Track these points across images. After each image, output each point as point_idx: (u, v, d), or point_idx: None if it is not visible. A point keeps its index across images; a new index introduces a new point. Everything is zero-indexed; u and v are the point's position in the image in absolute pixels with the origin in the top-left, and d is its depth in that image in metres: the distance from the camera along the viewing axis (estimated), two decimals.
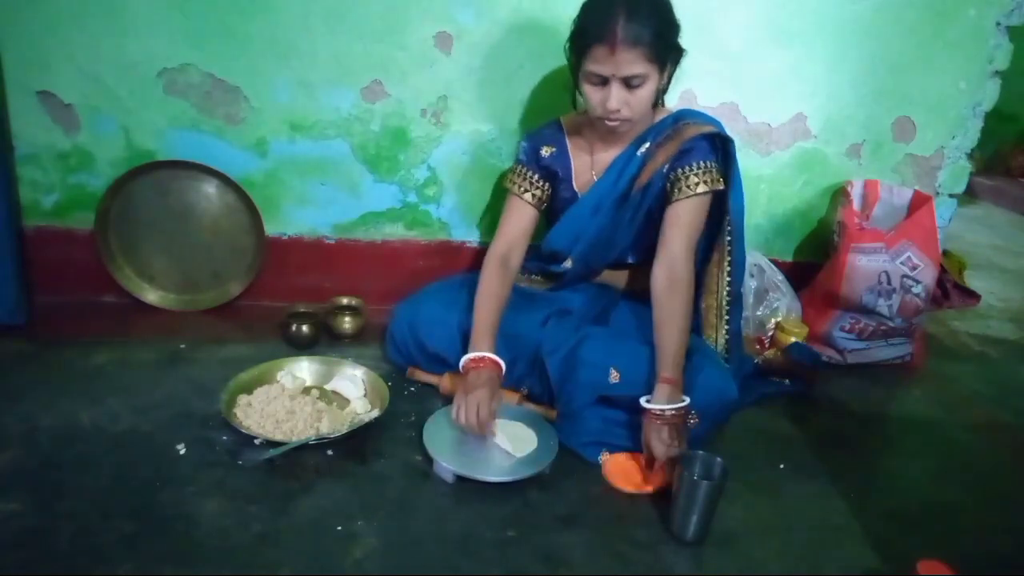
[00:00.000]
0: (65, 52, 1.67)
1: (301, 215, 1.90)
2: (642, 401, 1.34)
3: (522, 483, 1.29)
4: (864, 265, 1.82)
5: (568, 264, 1.65)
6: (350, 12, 1.71)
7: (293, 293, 1.89)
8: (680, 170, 1.49)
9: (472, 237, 1.98)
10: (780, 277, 1.96)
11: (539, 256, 1.70)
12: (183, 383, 1.53)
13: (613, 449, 1.40)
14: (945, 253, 1.99)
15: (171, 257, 1.85)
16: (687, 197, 1.49)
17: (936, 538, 1.32)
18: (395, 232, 1.95)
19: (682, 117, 1.55)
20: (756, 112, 1.91)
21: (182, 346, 1.68)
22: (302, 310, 1.76)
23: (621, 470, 1.36)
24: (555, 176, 1.61)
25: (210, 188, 1.82)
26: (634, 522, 1.26)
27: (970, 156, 2.02)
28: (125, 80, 1.71)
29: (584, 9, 1.42)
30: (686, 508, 1.20)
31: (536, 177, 1.61)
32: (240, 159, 1.81)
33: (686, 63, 1.50)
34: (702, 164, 1.50)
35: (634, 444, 1.38)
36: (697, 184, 1.49)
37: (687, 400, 1.35)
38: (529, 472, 1.30)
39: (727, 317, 1.67)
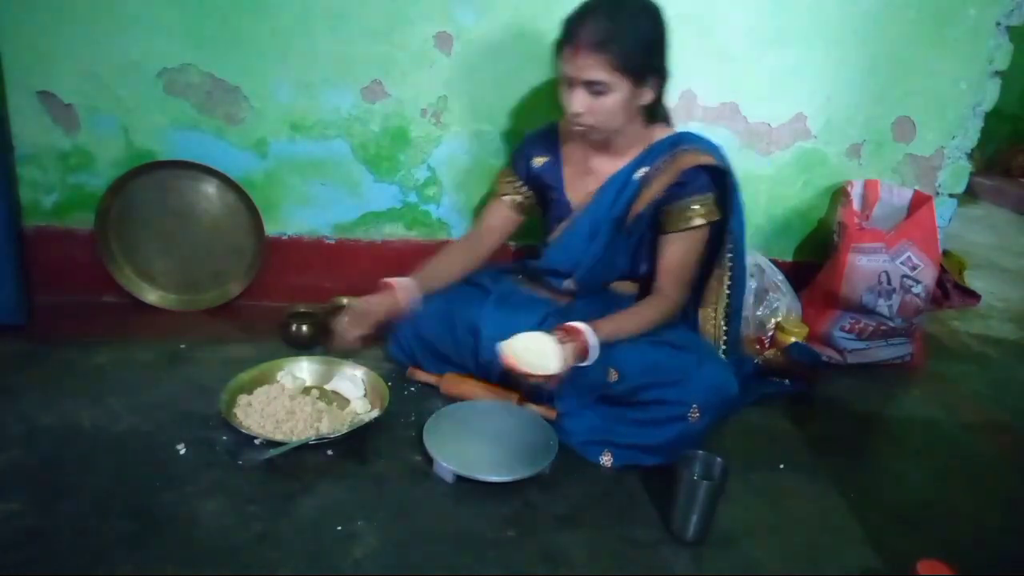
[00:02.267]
0: (65, 52, 1.66)
1: (301, 215, 1.90)
2: (580, 325, 1.35)
3: (522, 483, 1.29)
4: (864, 265, 1.82)
5: (570, 284, 1.62)
6: (350, 12, 1.71)
7: (293, 293, 1.89)
8: (676, 202, 1.47)
9: None
10: (780, 277, 1.96)
11: (540, 269, 1.66)
12: (183, 383, 1.53)
13: (613, 448, 1.40)
14: (945, 253, 1.99)
15: (171, 257, 1.85)
16: (682, 231, 1.48)
17: (936, 538, 1.32)
18: (395, 232, 1.95)
19: (680, 142, 1.49)
20: (756, 112, 1.90)
21: (182, 346, 1.68)
22: (302, 310, 1.75)
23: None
24: (546, 186, 1.60)
25: (210, 188, 1.82)
26: (634, 522, 1.26)
27: (970, 156, 2.02)
28: (125, 80, 1.71)
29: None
30: (686, 508, 1.20)
31: (520, 184, 1.63)
32: (240, 159, 1.81)
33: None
34: (698, 197, 1.47)
35: (634, 441, 1.39)
36: (692, 218, 1.47)
37: (587, 361, 1.36)
38: (529, 472, 1.30)
39: (725, 329, 1.67)
